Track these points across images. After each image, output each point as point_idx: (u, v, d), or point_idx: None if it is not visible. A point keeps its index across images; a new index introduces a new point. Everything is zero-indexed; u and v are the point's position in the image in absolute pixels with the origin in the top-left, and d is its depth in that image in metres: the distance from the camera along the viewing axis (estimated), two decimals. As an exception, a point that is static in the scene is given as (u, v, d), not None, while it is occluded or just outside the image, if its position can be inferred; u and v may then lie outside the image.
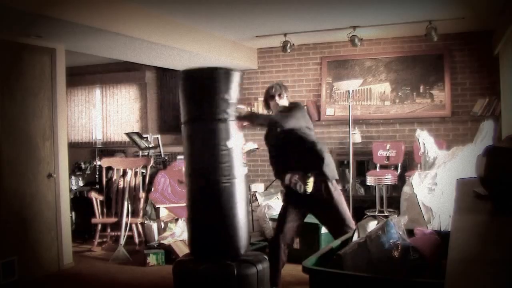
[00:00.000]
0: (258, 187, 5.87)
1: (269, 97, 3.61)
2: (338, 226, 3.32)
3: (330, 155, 3.54)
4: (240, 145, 3.26)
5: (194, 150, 3.23)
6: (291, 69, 6.84)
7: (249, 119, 3.38)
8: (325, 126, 6.57)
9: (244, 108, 3.51)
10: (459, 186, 2.05)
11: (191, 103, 3.21)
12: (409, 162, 5.94)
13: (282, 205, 3.59)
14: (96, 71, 7.78)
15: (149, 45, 4.98)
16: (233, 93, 3.17)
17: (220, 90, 3.13)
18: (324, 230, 4.35)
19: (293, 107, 3.50)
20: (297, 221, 3.50)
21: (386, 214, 5.42)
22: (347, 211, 3.41)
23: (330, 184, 3.37)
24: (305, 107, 6.52)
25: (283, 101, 3.59)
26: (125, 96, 7.83)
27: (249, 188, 5.62)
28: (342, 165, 6.47)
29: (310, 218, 4.51)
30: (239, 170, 3.19)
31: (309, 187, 3.33)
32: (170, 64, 6.28)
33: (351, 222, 3.36)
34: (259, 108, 6.70)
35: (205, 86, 3.17)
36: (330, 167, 3.41)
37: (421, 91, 6.15)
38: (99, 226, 5.29)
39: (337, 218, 3.35)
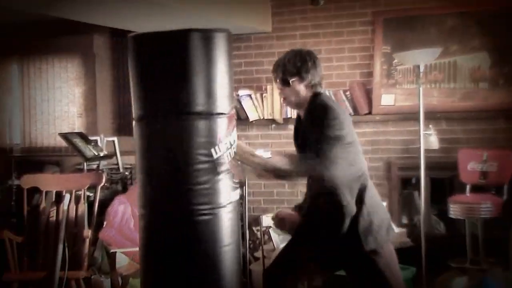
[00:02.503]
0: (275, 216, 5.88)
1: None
2: None
3: (382, 207, 3.52)
4: (231, 154, 3.27)
5: (151, 163, 3.29)
6: (324, 32, 6.87)
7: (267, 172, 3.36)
8: (380, 123, 6.59)
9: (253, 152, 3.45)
10: None
11: (148, 89, 3.28)
12: None
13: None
14: (11, 34, 7.82)
15: None
16: (220, 69, 3.21)
17: (195, 67, 3.16)
18: None
19: (324, 117, 3.32)
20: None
21: (483, 266, 5.36)
22: (397, 278, 3.54)
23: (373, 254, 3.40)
24: (348, 93, 6.48)
25: (296, 92, 3.44)
26: (60, 75, 7.96)
27: (259, 221, 5.63)
28: (407, 186, 6.53)
29: None
30: (227, 194, 3.25)
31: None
32: (135, 25, 6.29)
33: None
34: (274, 95, 6.77)
35: (170, 60, 3.20)
36: (375, 233, 3.40)
37: (545, 65, 6.15)
38: (15, 286, 5.16)
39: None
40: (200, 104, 3.15)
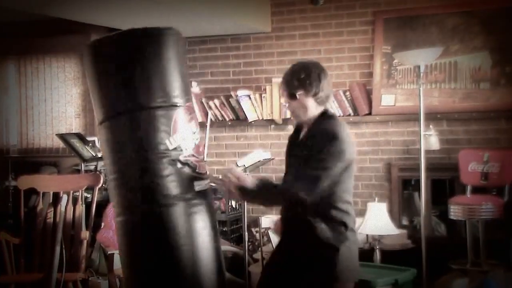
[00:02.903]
0: (273, 222, 5.86)
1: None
2: None
3: (354, 242, 3.35)
4: (193, 141, 3.36)
5: (115, 160, 3.39)
6: (324, 32, 6.88)
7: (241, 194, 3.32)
8: (380, 124, 6.59)
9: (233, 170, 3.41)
10: None
11: (106, 90, 3.38)
12: None
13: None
14: (9, 33, 7.82)
15: None
16: (171, 63, 3.34)
17: (147, 63, 3.29)
18: None
19: (328, 144, 3.19)
20: None
21: (485, 268, 5.36)
22: None
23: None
24: (347, 93, 6.47)
25: (303, 106, 3.32)
26: (58, 75, 7.92)
27: (258, 223, 5.75)
28: (408, 187, 6.54)
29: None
30: (191, 184, 3.35)
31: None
32: (131, 24, 6.14)
33: None
34: (273, 96, 6.75)
35: (122, 61, 3.33)
36: (347, 266, 3.27)
37: (546, 65, 6.17)
38: (12, 288, 5.23)
39: None
40: (153, 99, 3.28)
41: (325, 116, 3.30)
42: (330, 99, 3.35)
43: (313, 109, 3.29)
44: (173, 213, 3.29)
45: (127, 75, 3.33)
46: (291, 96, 3.30)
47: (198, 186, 3.37)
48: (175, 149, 3.30)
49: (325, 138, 3.17)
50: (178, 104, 3.36)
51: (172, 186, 3.28)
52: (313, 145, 3.20)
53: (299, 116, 3.34)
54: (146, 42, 3.33)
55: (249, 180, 3.26)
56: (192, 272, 3.31)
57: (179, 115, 3.36)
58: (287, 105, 3.39)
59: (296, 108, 3.32)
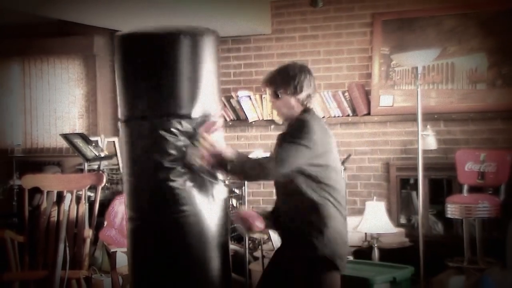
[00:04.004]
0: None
1: None
2: None
3: (343, 222, 3.42)
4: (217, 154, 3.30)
5: (135, 166, 3.33)
6: (323, 33, 6.89)
7: (218, 164, 3.31)
8: (378, 124, 6.61)
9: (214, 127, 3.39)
10: None
11: (133, 90, 3.30)
12: None
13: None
14: (13, 34, 7.81)
15: None
16: (208, 71, 3.26)
17: (183, 67, 3.20)
18: None
19: (297, 128, 3.33)
20: None
21: (481, 266, 5.35)
22: None
23: (320, 270, 3.32)
24: (346, 94, 6.48)
25: (286, 104, 3.42)
26: (61, 76, 7.90)
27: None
28: (406, 186, 6.56)
29: (357, 270, 4.58)
30: (215, 191, 3.33)
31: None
32: (134, 26, 6.21)
33: None
34: None
35: (155, 62, 3.23)
36: (332, 243, 3.31)
37: (542, 66, 6.17)
38: (16, 285, 5.16)
39: None
40: (183, 107, 3.20)
41: (305, 112, 3.40)
42: (312, 99, 3.44)
43: (296, 108, 3.40)
44: (188, 223, 3.25)
45: (160, 78, 3.23)
46: (275, 95, 3.42)
47: (222, 190, 3.39)
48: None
49: (295, 123, 3.35)
50: (209, 115, 3.30)
51: (191, 196, 3.24)
52: (287, 131, 3.40)
53: (283, 114, 3.47)
54: (184, 44, 3.21)
55: (225, 147, 3.30)
56: (201, 273, 3.30)
57: (209, 126, 3.29)
58: (271, 103, 3.51)
59: (280, 106, 3.44)
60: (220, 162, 3.26)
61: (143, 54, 3.25)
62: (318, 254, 3.27)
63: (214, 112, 3.31)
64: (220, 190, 3.36)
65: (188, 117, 3.20)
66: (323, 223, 3.29)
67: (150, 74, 3.23)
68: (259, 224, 3.38)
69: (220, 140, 3.38)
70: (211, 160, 3.26)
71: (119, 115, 3.38)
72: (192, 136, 3.23)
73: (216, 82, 3.33)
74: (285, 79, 3.39)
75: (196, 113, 3.23)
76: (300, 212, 3.34)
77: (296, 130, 3.31)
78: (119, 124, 3.37)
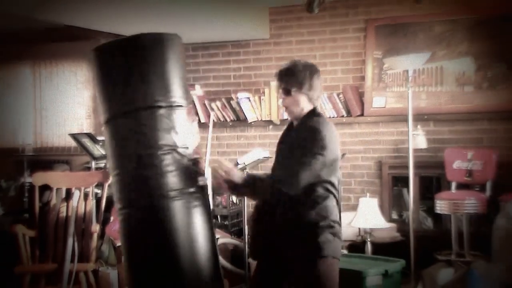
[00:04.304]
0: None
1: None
2: None
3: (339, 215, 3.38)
4: (195, 142, 3.33)
5: (119, 159, 3.35)
6: (319, 38, 6.89)
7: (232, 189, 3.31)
8: (371, 124, 6.61)
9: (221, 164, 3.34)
10: None
11: (109, 93, 3.36)
12: (505, 179, 5.85)
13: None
14: (24, 39, 7.82)
15: (108, 2, 5.05)
16: (173, 66, 3.29)
17: (150, 65, 3.26)
18: (371, 281, 4.44)
19: (311, 141, 3.22)
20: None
21: (468, 259, 5.38)
22: None
23: (321, 265, 3.26)
24: (341, 96, 6.48)
25: (297, 102, 3.35)
26: (70, 79, 7.93)
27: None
28: (397, 184, 6.54)
29: (350, 263, 4.58)
30: (191, 180, 3.32)
31: None
32: (138, 31, 6.21)
33: None
34: (271, 98, 6.78)
35: (125, 65, 3.30)
36: (332, 242, 3.28)
37: (525, 69, 6.17)
38: (28, 278, 5.16)
39: None
40: (158, 99, 3.23)
41: (313, 113, 3.33)
42: (320, 99, 3.40)
43: (305, 106, 3.33)
44: (173, 207, 3.25)
45: (130, 78, 3.29)
46: (286, 92, 3.33)
47: (201, 181, 3.34)
48: (179, 146, 3.26)
49: (308, 134, 3.23)
50: (180, 105, 3.32)
51: (173, 182, 3.24)
52: (298, 140, 3.27)
53: (292, 111, 3.36)
54: (148, 46, 3.29)
55: (237, 174, 3.26)
56: (190, 259, 3.27)
57: (182, 115, 3.33)
58: (281, 100, 3.40)
59: (290, 103, 3.34)
60: (233, 188, 3.27)
61: (115, 60, 3.33)
62: (321, 253, 3.23)
63: (184, 102, 3.34)
64: (202, 177, 3.37)
65: (159, 107, 3.24)
66: (324, 217, 3.26)
67: (121, 78, 3.29)
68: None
69: (195, 130, 3.40)
70: (225, 185, 3.27)
71: (100, 119, 3.43)
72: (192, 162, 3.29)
73: (180, 77, 3.35)
74: (300, 77, 3.31)
75: (167, 103, 3.27)
76: (302, 206, 3.28)
77: (310, 143, 3.20)
78: (103, 128, 3.41)
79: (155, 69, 3.26)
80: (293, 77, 3.31)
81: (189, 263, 3.26)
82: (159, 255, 3.28)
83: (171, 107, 3.26)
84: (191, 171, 3.27)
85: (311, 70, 3.35)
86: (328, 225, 3.25)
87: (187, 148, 3.28)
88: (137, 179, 3.27)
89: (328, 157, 3.19)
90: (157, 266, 3.28)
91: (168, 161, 3.22)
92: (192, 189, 3.29)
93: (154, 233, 3.28)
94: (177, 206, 3.24)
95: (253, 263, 5.51)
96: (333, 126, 3.34)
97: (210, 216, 3.42)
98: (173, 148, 3.24)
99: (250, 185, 3.24)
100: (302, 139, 3.25)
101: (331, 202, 3.30)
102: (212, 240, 3.39)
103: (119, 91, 3.30)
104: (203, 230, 3.32)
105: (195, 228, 3.29)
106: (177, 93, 3.29)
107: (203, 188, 3.37)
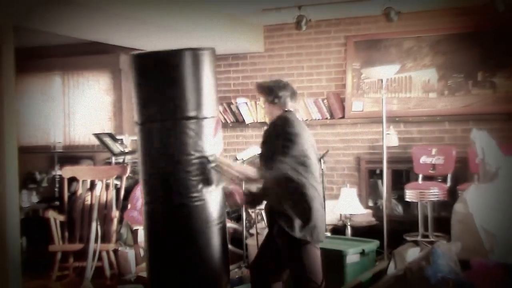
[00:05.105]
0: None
1: None
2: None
3: (321, 209, 3.41)
4: (219, 150, 3.30)
5: (150, 159, 3.27)
6: (307, 52, 6.87)
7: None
8: (351, 125, 6.60)
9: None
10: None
11: (147, 98, 3.26)
12: (463, 172, 5.89)
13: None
14: (56, 53, 7.79)
15: (125, 21, 5.00)
16: (206, 82, 3.21)
17: (185, 78, 3.16)
18: (350, 259, 4.39)
19: (281, 125, 3.35)
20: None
21: (432, 239, 5.39)
22: (316, 275, 3.39)
23: (305, 248, 3.32)
24: (325, 101, 6.49)
25: (271, 110, 3.47)
26: (94, 87, 7.85)
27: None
28: (373, 176, 6.56)
29: (333, 244, 4.53)
30: (211, 181, 3.26)
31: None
32: (152, 46, 6.19)
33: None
34: None
35: (164, 74, 3.19)
36: (316, 229, 3.32)
37: (479, 79, 6.12)
38: (59, 255, 5.26)
39: (300, 280, 3.37)
40: (189, 110, 3.16)
41: (285, 112, 3.43)
42: (295, 103, 3.48)
43: (277, 112, 3.43)
44: (194, 207, 3.20)
45: (168, 88, 3.18)
46: (264, 102, 3.50)
47: (221, 183, 3.32)
48: (206, 155, 3.20)
49: (279, 123, 3.36)
50: (209, 117, 3.23)
51: (197, 185, 3.18)
52: (272, 130, 3.39)
53: (268, 117, 3.52)
54: (186, 61, 3.17)
55: (238, 167, 3.35)
56: (205, 248, 3.25)
57: (210, 126, 3.24)
58: (263, 107, 3.55)
59: (267, 111, 3.51)
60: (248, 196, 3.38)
61: (154, 70, 3.23)
62: (302, 236, 3.27)
63: (213, 114, 3.28)
64: (220, 180, 3.32)
65: (191, 118, 3.17)
66: (307, 204, 3.30)
67: (159, 86, 3.22)
68: (239, 200, 3.39)
69: (219, 139, 3.37)
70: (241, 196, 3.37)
71: (135, 119, 3.38)
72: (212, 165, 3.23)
73: (212, 91, 3.27)
74: (270, 92, 3.45)
75: (200, 115, 3.20)
76: (288, 194, 3.33)
77: (280, 126, 3.32)
78: (136, 127, 3.37)
79: (191, 83, 3.17)
80: (263, 93, 3.48)
81: (204, 253, 3.24)
82: (177, 245, 3.25)
83: (201, 119, 3.19)
84: (214, 175, 3.25)
85: (278, 86, 3.47)
86: (310, 213, 3.30)
87: (212, 155, 3.23)
88: (166, 180, 3.22)
89: (300, 140, 3.27)
90: (174, 253, 3.25)
91: (195, 166, 3.17)
92: (212, 192, 3.25)
93: (175, 226, 3.24)
94: (197, 206, 3.20)
95: (250, 244, 5.55)
96: (301, 122, 3.46)
97: (224, 212, 3.36)
98: (201, 156, 3.19)
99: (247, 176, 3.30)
100: (274, 125, 3.39)
101: (314, 188, 3.34)
102: (224, 233, 3.34)
103: (156, 98, 3.22)
104: (217, 226, 3.28)
105: (210, 225, 3.24)
106: (208, 107, 3.22)
107: (220, 190, 3.34)
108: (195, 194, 3.18)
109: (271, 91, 3.45)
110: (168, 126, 3.19)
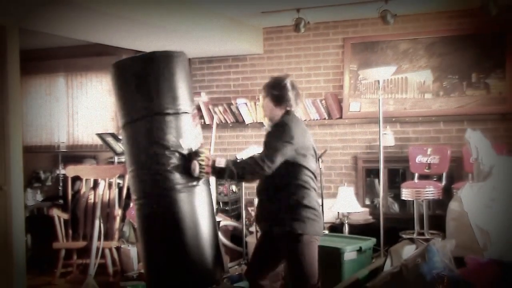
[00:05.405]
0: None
1: None
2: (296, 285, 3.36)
3: (317, 205, 3.40)
4: (198, 143, 3.32)
5: (133, 156, 3.32)
6: (305, 53, 6.86)
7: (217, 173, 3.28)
8: (348, 125, 6.61)
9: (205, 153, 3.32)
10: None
11: (127, 101, 3.32)
12: (457, 171, 5.92)
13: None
14: (59, 55, 7.79)
15: (127, 22, 4.99)
16: (180, 79, 3.28)
17: (161, 78, 3.23)
18: (348, 256, 4.39)
19: (279, 129, 3.33)
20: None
21: (427, 237, 5.39)
22: (313, 271, 3.37)
23: (303, 241, 3.29)
24: (323, 102, 6.49)
25: (269, 108, 3.46)
26: (97, 87, 7.83)
27: (253, 203, 5.63)
28: (370, 175, 6.55)
29: (331, 241, 4.52)
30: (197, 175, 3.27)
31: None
32: (152, 47, 6.15)
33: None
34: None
35: (139, 77, 3.26)
36: (315, 222, 3.32)
37: (473, 80, 6.13)
38: (63, 252, 5.29)
39: (297, 276, 3.35)
40: (167, 107, 3.22)
41: (285, 113, 3.42)
42: (288, 102, 3.42)
43: (276, 111, 3.42)
44: (179, 198, 3.24)
45: (143, 88, 3.26)
46: (263, 99, 3.49)
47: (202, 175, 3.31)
48: (184, 147, 3.24)
49: (277, 125, 3.36)
50: (186, 111, 3.30)
51: (178, 177, 3.22)
52: (270, 131, 3.38)
53: (266, 115, 3.52)
54: (159, 62, 3.26)
55: (218, 159, 3.28)
56: (194, 240, 3.28)
57: (187, 120, 3.30)
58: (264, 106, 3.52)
59: (264, 109, 3.50)
60: (218, 172, 3.26)
61: (131, 74, 3.31)
62: (299, 232, 3.27)
63: (189, 109, 3.33)
64: (201, 172, 3.32)
65: (168, 114, 3.23)
66: (303, 202, 3.29)
67: (136, 88, 3.28)
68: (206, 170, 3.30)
69: (198, 133, 3.38)
70: (210, 171, 3.27)
71: (118, 123, 3.40)
72: (193, 153, 3.26)
73: (186, 87, 3.33)
74: (271, 90, 3.44)
75: (174, 110, 3.25)
76: (283, 193, 3.32)
77: (279, 131, 3.32)
78: (120, 131, 3.38)
79: (165, 81, 3.24)
80: (264, 90, 3.46)
81: (194, 243, 3.27)
82: (168, 237, 3.28)
83: (178, 113, 3.25)
84: (194, 167, 3.24)
85: (279, 84, 3.45)
86: (307, 206, 3.30)
87: (190, 148, 3.27)
88: (149, 175, 3.26)
89: (297, 142, 3.27)
90: (166, 245, 3.29)
91: (175, 159, 3.21)
92: (194, 183, 3.28)
93: (164, 219, 3.28)
94: (183, 197, 3.24)
95: (249, 241, 5.56)
96: (302, 122, 3.46)
97: (211, 204, 3.40)
98: (179, 149, 3.23)
99: (233, 166, 3.25)
100: (272, 129, 3.38)
101: (311, 186, 3.35)
102: (213, 224, 3.38)
103: (134, 100, 3.28)
104: (205, 217, 3.32)
105: (198, 215, 3.28)
106: (183, 102, 3.28)
107: (205, 182, 3.36)
108: (178, 186, 3.22)
109: (273, 89, 3.43)
110: (147, 123, 3.24)
